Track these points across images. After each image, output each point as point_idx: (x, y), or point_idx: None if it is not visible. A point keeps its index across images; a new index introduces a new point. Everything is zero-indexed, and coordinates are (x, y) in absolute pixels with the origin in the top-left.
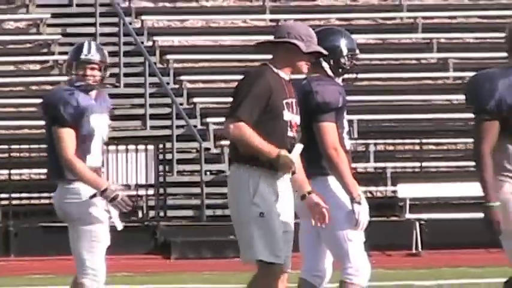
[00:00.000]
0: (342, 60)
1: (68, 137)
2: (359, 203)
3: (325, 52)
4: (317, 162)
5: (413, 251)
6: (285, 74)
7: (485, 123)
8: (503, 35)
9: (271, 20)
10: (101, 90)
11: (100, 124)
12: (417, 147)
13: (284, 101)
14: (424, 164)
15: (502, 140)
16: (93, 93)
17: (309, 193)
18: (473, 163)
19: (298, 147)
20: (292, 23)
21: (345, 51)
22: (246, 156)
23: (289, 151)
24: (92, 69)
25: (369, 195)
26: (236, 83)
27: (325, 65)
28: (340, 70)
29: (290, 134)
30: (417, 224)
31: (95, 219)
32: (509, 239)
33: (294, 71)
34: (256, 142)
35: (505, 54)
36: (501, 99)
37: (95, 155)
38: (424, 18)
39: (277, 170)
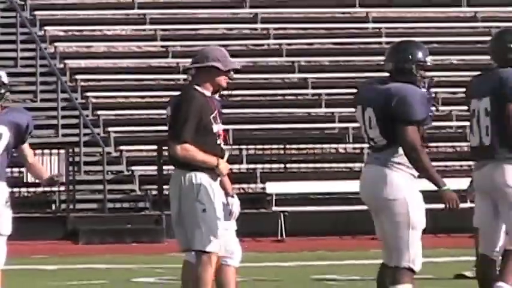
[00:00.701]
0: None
1: None
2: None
3: (239, 67)
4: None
5: (279, 237)
6: (208, 92)
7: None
8: (354, 58)
9: (161, 46)
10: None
11: None
12: (282, 152)
13: (211, 116)
14: (288, 165)
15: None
16: None
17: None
18: (326, 164)
19: (227, 154)
20: (208, 48)
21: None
22: (189, 164)
23: (221, 157)
24: None
25: (242, 191)
26: (134, 99)
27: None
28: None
29: (219, 142)
30: (282, 215)
31: None
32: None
33: (215, 88)
34: (199, 157)
35: (358, 75)
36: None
37: None
38: (288, 44)
39: (217, 174)
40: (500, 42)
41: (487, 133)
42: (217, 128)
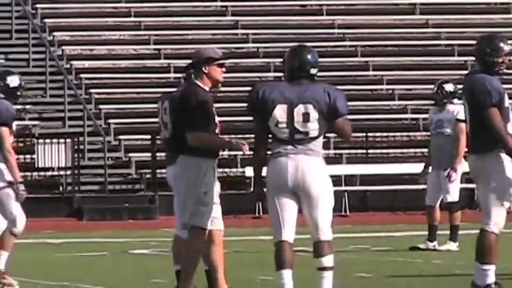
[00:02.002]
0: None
1: None
2: None
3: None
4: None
5: (256, 215)
6: (207, 87)
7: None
8: (321, 59)
9: (154, 49)
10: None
11: None
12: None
13: (213, 109)
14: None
15: None
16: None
17: None
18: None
19: None
20: (205, 49)
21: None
22: (195, 150)
23: None
24: None
25: (225, 175)
26: (131, 94)
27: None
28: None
29: (217, 132)
30: None
31: None
32: None
33: (213, 83)
34: (210, 141)
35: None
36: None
37: None
38: (265, 47)
39: (232, 150)
40: (479, 47)
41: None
42: (217, 119)
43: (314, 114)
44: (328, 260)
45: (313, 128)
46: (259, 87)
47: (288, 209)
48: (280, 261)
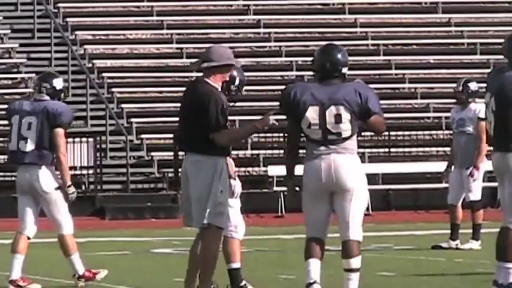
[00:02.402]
0: None
1: None
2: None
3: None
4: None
5: (279, 214)
6: (218, 86)
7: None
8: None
9: (176, 48)
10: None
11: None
12: (281, 140)
13: (227, 106)
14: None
15: None
16: None
17: None
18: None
19: None
20: (219, 48)
21: None
22: (213, 149)
23: None
24: None
25: (247, 174)
26: (153, 93)
27: None
28: None
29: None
30: (282, 194)
31: None
32: None
33: (222, 82)
34: (238, 134)
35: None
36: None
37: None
38: (287, 46)
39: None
40: (508, 45)
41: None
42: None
43: (346, 115)
44: (356, 262)
45: (346, 128)
46: (290, 89)
47: (321, 208)
48: (308, 253)
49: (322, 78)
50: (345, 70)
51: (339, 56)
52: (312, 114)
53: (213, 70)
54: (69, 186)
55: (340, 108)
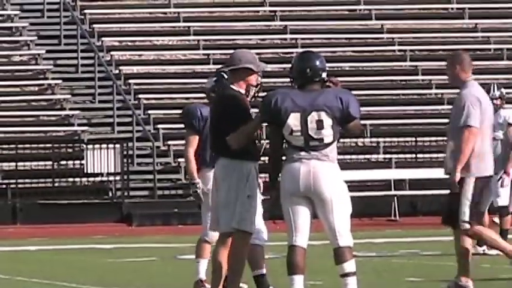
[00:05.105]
0: None
1: None
2: None
3: (268, 69)
4: None
5: None
6: (242, 90)
7: None
8: (370, 64)
9: (203, 54)
10: None
11: None
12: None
13: (250, 111)
14: None
15: None
16: None
17: None
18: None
19: (264, 143)
20: (240, 52)
21: None
22: (240, 153)
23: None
24: None
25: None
26: (180, 100)
27: None
28: None
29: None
30: None
31: None
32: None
33: (247, 86)
34: (240, 131)
35: (374, 78)
36: None
37: None
38: None
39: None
40: None
41: None
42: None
43: (327, 121)
44: (349, 266)
45: (327, 134)
46: (271, 96)
47: (301, 214)
48: (291, 266)
49: (302, 85)
50: (324, 75)
51: (318, 62)
52: (293, 121)
53: (234, 75)
54: (193, 184)
55: (322, 114)
